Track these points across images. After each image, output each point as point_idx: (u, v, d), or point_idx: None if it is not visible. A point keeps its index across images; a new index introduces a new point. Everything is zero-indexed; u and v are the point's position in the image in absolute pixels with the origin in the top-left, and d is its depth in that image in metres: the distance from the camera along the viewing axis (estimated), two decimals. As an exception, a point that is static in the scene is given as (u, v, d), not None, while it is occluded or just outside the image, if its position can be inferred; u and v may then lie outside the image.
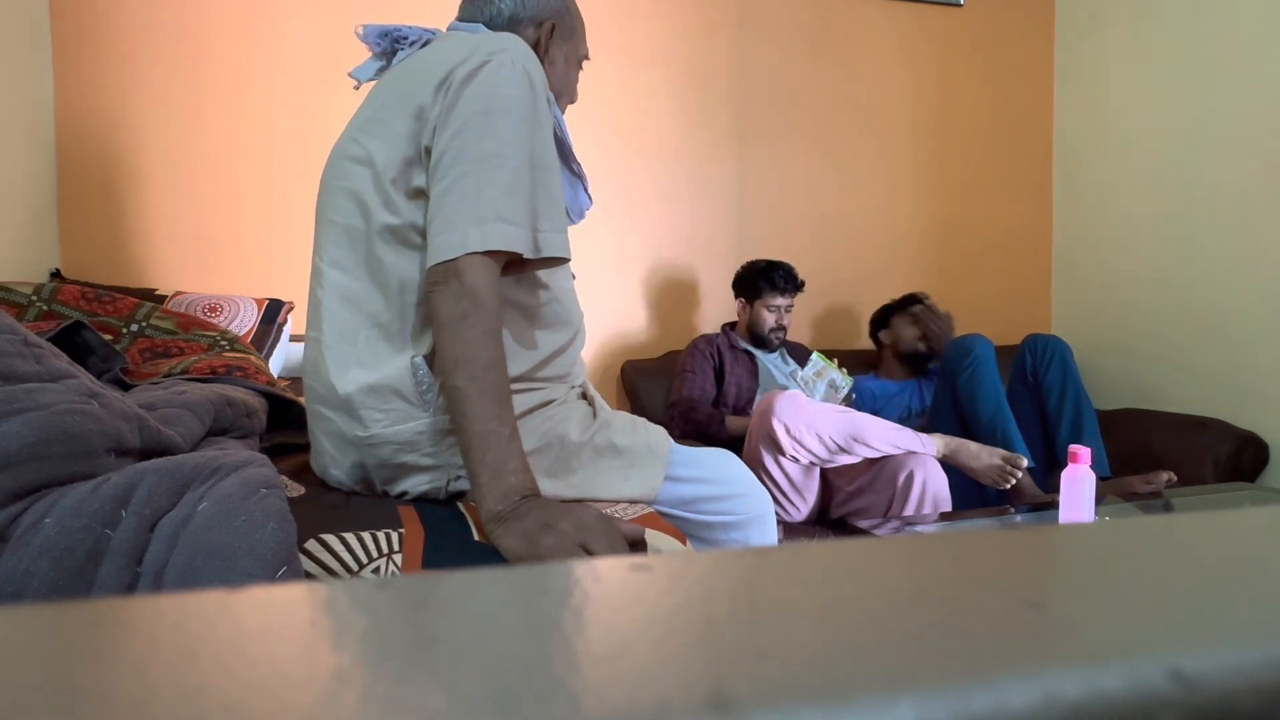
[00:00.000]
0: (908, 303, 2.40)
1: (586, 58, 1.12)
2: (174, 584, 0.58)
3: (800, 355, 2.36)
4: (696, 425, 2.08)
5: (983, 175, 2.89)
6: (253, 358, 1.39)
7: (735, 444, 1.97)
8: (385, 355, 0.87)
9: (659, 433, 1.03)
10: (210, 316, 1.75)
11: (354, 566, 0.72)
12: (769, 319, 2.27)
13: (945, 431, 2.01)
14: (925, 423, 2.29)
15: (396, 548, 0.75)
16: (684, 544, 0.87)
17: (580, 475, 0.94)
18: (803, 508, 1.94)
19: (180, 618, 0.17)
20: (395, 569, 0.74)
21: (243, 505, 0.63)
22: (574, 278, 1.06)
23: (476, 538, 0.79)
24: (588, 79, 2.27)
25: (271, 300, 1.89)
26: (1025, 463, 1.82)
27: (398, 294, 0.87)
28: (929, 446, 1.84)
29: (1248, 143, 2.28)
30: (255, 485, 0.67)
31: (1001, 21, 2.88)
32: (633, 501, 0.96)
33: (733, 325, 2.38)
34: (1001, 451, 1.85)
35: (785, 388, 2.14)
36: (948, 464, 1.87)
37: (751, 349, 2.28)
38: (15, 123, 1.86)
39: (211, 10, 2.17)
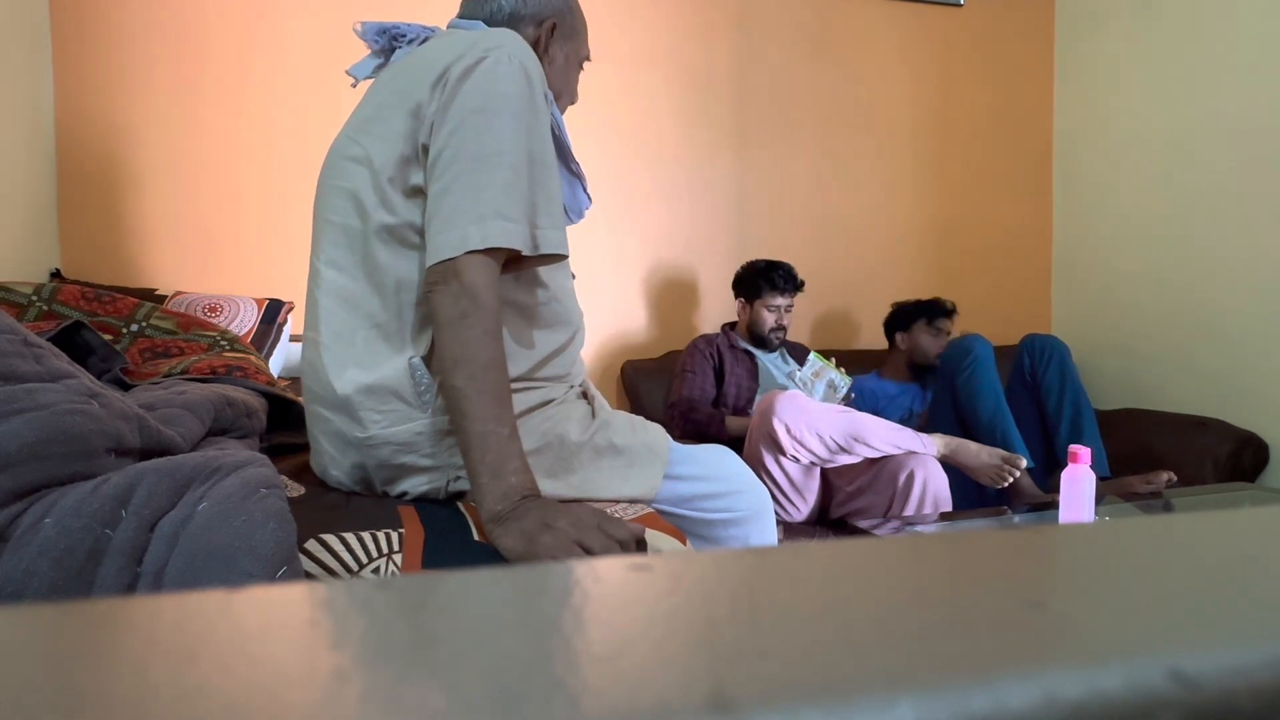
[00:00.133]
0: (935, 311, 2.38)
1: (588, 59, 1.12)
2: (174, 584, 0.58)
3: (800, 355, 2.36)
4: (696, 425, 2.08)
5: (983, 175, 2.89)
6: (253, 358, 1.39)
7: (735, 444, 1.97)
8: (383, 356, 0.87)
9: (658, 432, 1.03)
10: (210, 316, 1.75)
11: (354, 566, 0.72)
12: (769, 319, 2.27)
13: (945, 431, 2.01)
14: (923, 423, 2.29)
15: (396, 548, 0.75)
16: (684, 544, 0.87)
17: (580, 475, 0.94)
18: (803, 508, 1.94)
19: (180, 618, 0.17)
20: (395, 569, 0.74)
21: (243, 505, 0.63)
22: (574, 277, 1.05)
23: (476, 538, 0.79)
24: (588, 79, 2.27)
25: (271, 300, 1.89)
26: (1024, 463, 1.82)
27: (395, 294, 0.87)
28: (929, 446, 1.85)
29: (1248, 143, 2.28)
30: (255, 485, 0.67)
31: (1001, 21, 2.89)
32: (632, 501, 0.96)
33: (733, 325, 2.38)
34: (1001, 452, 1.85)
35: (785, 388, 2.14)
36: (948, 464, 1.88)
37: (751, 349, 2.28)
38: (15, 123, 1.86)
39: (211, 10, 2.17)
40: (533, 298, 0.93)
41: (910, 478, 1.80)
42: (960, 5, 2.82)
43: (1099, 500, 1.68)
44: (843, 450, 1.80)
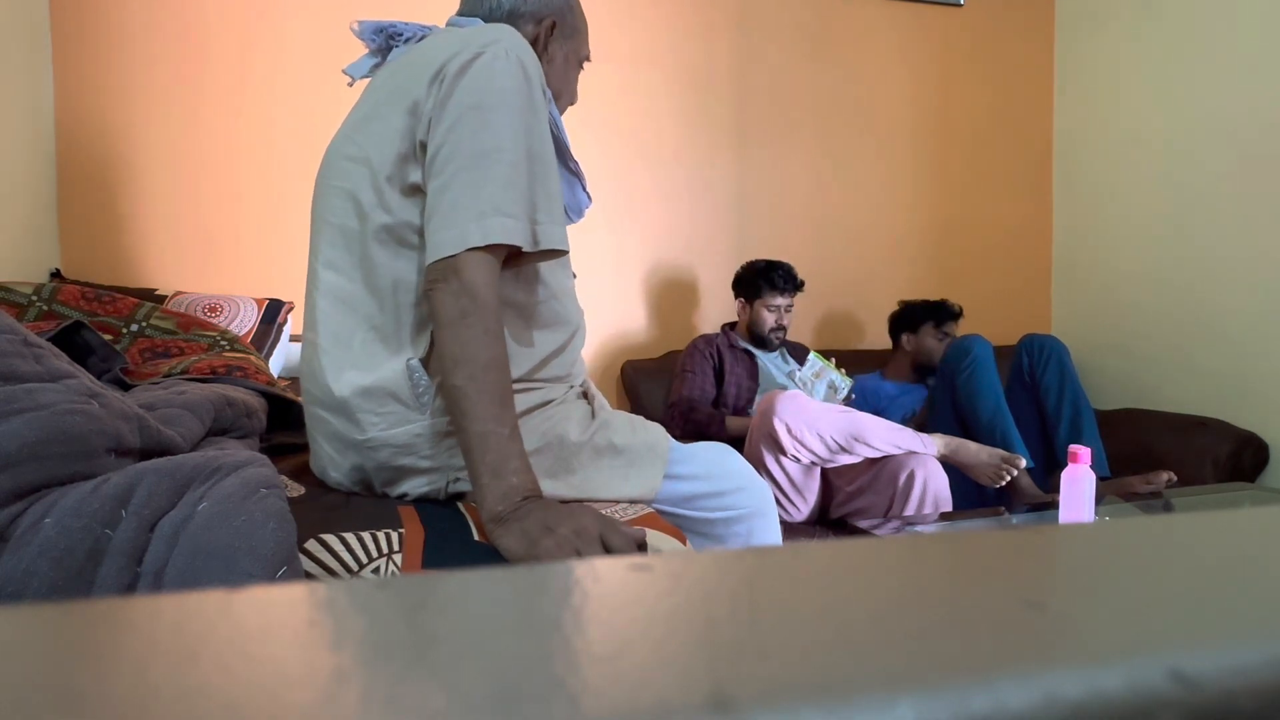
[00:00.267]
0: (943, 314, 2.38)
1: (588, 59, 1.11)
2: (174, 584, 0.58)
3: (800, 355, 2.36)
4: (696, 425, 2.08)
5: (983, 175, 2.89)
6: (253, 358, 1.39)
7: (735, 444, 1.97)
8: (381, 358, 0.87)
9: (658, 431, 1.02)
10: (210, 316, 1.75)
11: (354, 566, 0.72)
12: (769, 319, 2.27)
13: (945, 431, 2.01)
14: (919, 423, 2.29)
15: (396, 548, 0.75)
16: (684, 544, 0.87)
17: (580, 475, 0.94)
18: (803, 508, 1.94)
19: (180, 618, 0.17)
20: (395, 569, 0.74)
21: (243, 505, 0.63)
22: (574, 277, 1.05)
23: (476, 538, 0.79)
24: (588, 79, 2.27)
25: (271, 300, 1.89)
26: (1024, 463, 1.83)
27: (392, 295, 0.87)
28: (929, 446, 1.85)
29: (1247, 143, 2.28)
30: (255, 485, 0.67)
31: (1001, 21, 2.89)
32: (633, 501, 0.96)
33: (733, 325, 2.38)
34: (1001, 451, 1.85)
35: (785, 388, 2.14)
36: (947, 464, 1.88)
37: (751, 349, 2.28)
38: (15, 122, 1.86)
39: (211, 10, 2.17)
40: (532, 296, 0.93)
41: (910, 478, 1.80)
42: (960, 5, 2.82)
43: (1099, 500, 1.68)
44: (843, 450, 1.80)
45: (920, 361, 2.39)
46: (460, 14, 1.04)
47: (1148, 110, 2.59)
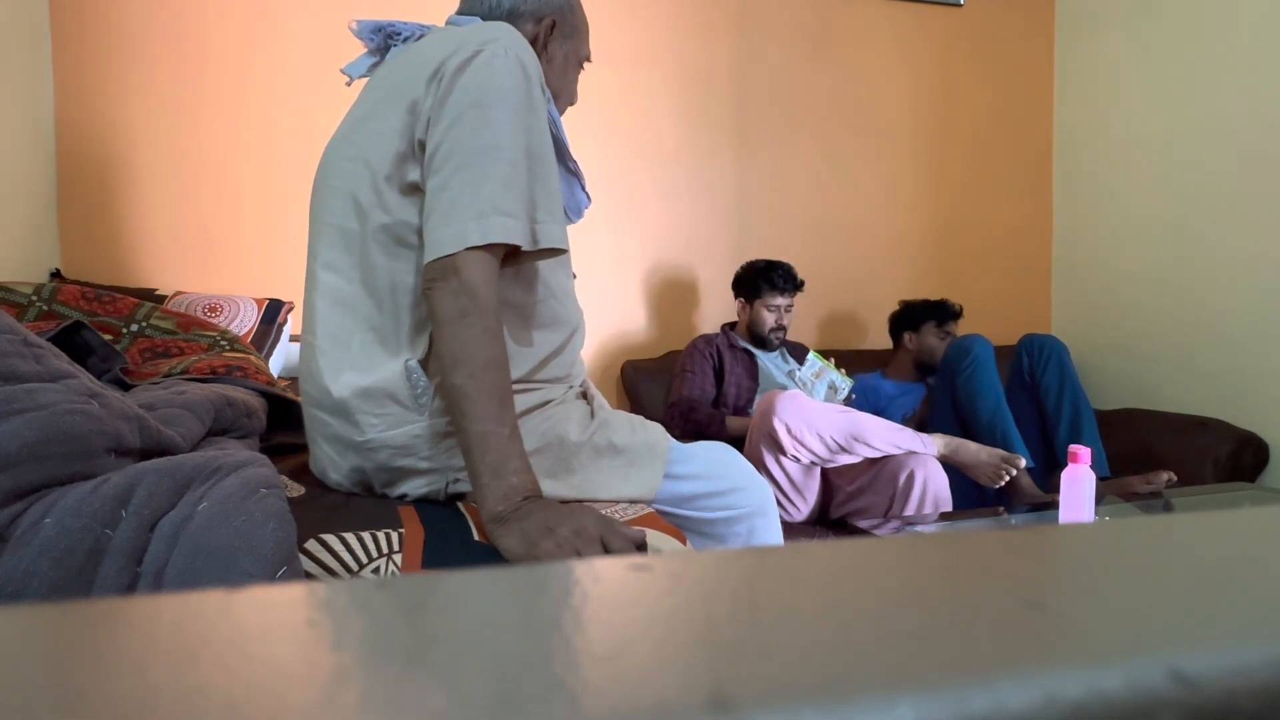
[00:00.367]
0: (945, 314, 2.38)
1: (588, 59, 1.11)
2: (174, 584, 0.58)
3: (800, 354, 2.36)
4: (696, 425, 2.08)
5: (983, 175, 2.89)
6: (253, 358, 1.39)
7: (735, 444, 1.97)
8: (379, 359, 0.87)
9: (658, 431, 1.02)
10: (210, 316, 1.75)
11: (354, 566, 0.72)
12: (768, 319, 2.27)
13: (945, 431, 2.01)
14: (916, 422, 2.29)
15: (396, 548, 0.75)
16: (684, 544, 0.87)
17: (580, 475, 0.94)
18: (803, 508, 1.94)
19: (180, 618, 0.17)
20: (395, 569, 0.74)
21: (243, 505, 0.63)
22: (574, 277, 1.05)
23: (476, 538, 0.79)
24: (587, 79, 2.27)
25: (271, 300, 1.89)
26: (1023, 462, 1.83)
27: (390, 297, 0.87)
28: (929, 446, 1.85)
29: (1247, 142, 2.28)
30: (255, 485, 0.67)
31: (1001, 21, 2.89)
32: (633, 501, 0.96)
33: (733, 325, 2.38)
34: (1001, 451, 1.85)
35: (785, 387, 2.14)
36: (947, 464, 1.88)
37: (751, 349, 2.28)
38: (15, 123, 1.86)
39: (211, 10, 2.17)
40: (530, 296, 0.93)
41: (910, 478, 1.80)
42: (960, 5, 2.82)
43: (1099, 500, 1.68)
44: (843, 450, 1.80)
45: (922, 360, 2.39)
46: (460, 13, 1.04)
47: (1148, 110, 2.59)
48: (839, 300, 2.77)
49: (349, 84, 1.05)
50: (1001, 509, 1.80)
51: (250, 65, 2.20)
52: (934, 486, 1.81)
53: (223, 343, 1.45)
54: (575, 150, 1.00)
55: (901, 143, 2.80)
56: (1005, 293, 2.93)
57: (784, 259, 2.37)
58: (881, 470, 1.87)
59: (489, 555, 0.76)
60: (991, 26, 2.88)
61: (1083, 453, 1.40)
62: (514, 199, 0.81)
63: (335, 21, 2.24)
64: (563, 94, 1.08)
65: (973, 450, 1.86)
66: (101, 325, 1.42)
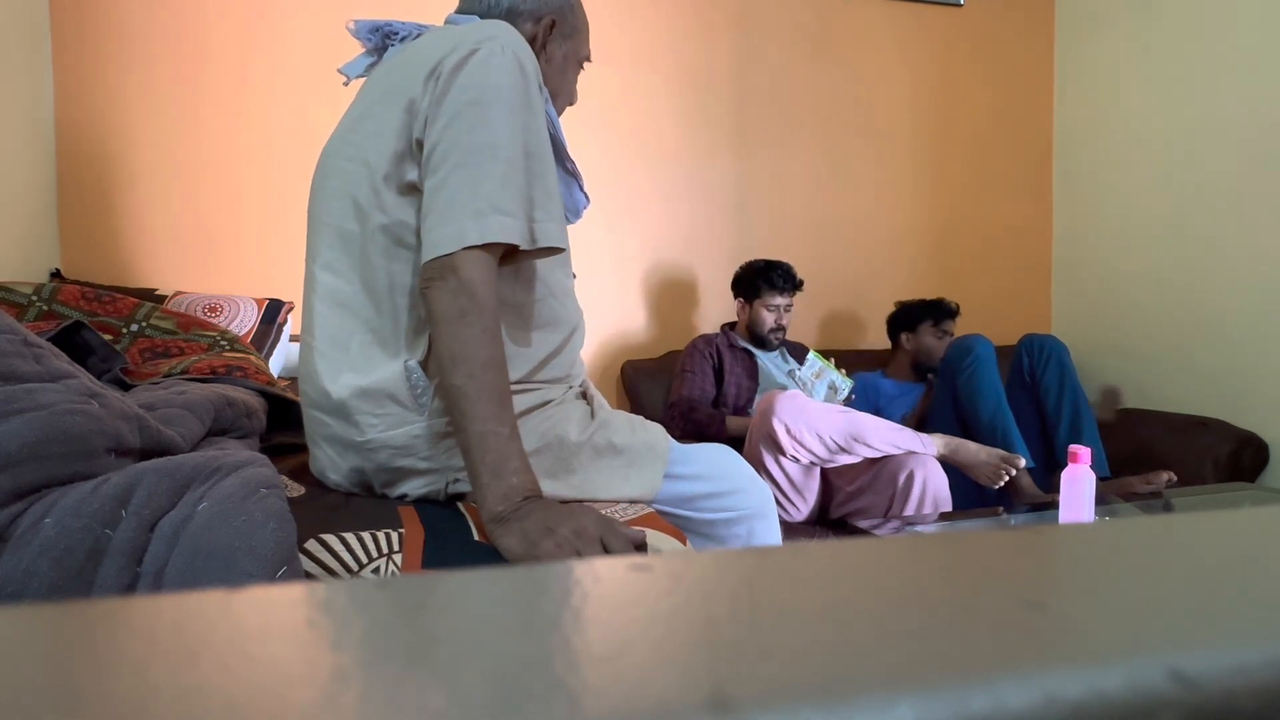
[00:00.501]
0: (941, 313, 2.38)
1: (588, 59, 1.10)
2: (174, 584, 0.58)
3: (800, 354, 2.36)
4: (696, 425, 2.08)
5: (983, 175, 2.89)
6: (253, 358, 1.39)
7: (735, 444, 1.97)
8: (378, 360, 0.86)
9: (658, 431, 1.02)
10: (210, 316, 1.75)
11: (354, 566, 0.72)
12: (768, 318, 2.27)
13: (945, 431, 2.01)
14: (920, 411, 2.29)
15: (396, 548, 0.75)
16: (684, 544, 0.87)
17: (580, 475, 0.94)
18: (803, 508, 1.94)
19: (180, 618, 0.17)
20: (395, 569, 0.74)
21: (243, 505, 0.63)
22: (574, 277, 1.05)
23: (476, 538, 0.79)
24: (587, 79, 2.27)
25: (271, 300, 1.89)
26: (1023, 462, 1.83)
27: (389, 297, 0.86)
28: (929, 446, 1.85)
29: (1247, 142, 2.28)
30: (255, 485, 0.67)
31: (1001, 21, 2.89)
32: (633, 501, 0.96)
33: (732, 325, 2.38)
34: (1000, 451, 1.85)
35: (785, 387, 2.14)
36: (947, 464, 1.88)
37: (751, 348, 2.28)
38: (15, 123, 1.86)
39: (211, 10, 2.17)
40: (529, 295, 0.92)
41: (910, 478, 1.80)
42: (960, 5, 2.82)
43: (1099, 500, 1.68)
44: (842, 450, 1.80)
45: (920, 360, 2.39)
46: (458, 12, 1.04)
47: (1148, 110, 2.59)
48: (839, 300, 2.77)
49: (346, 84, 1.05)
50: (1001, 509, 1.80)
51: (250, 65, 2.20)
52: (934, 486, 1.81)
53: (223, 343, 1.45)
54: (575, 150, 1.00)
55: (901, 143, 2.80)
56: (1005, 293, 2.93)
57: (784, 259, 2.37)
58: (881, 470, 1.87)
59: (489, 555, 0.76)
60: (991, 26, 2.88)
61: (1083, 453, 1.40)
62: (512, 197, 0.80)
63: (335, 21, 2.24)
64: (561, 94, 1.08)
65: (972, 450, 1.86)
66: (101, 325, 1.42)
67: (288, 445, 1.14)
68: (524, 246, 0.82)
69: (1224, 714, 0.15)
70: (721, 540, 1.02)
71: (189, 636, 0.16)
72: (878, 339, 2.72)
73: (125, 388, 1.10)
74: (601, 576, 0.20)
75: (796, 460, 1.83)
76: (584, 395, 1.03)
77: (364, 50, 0.99)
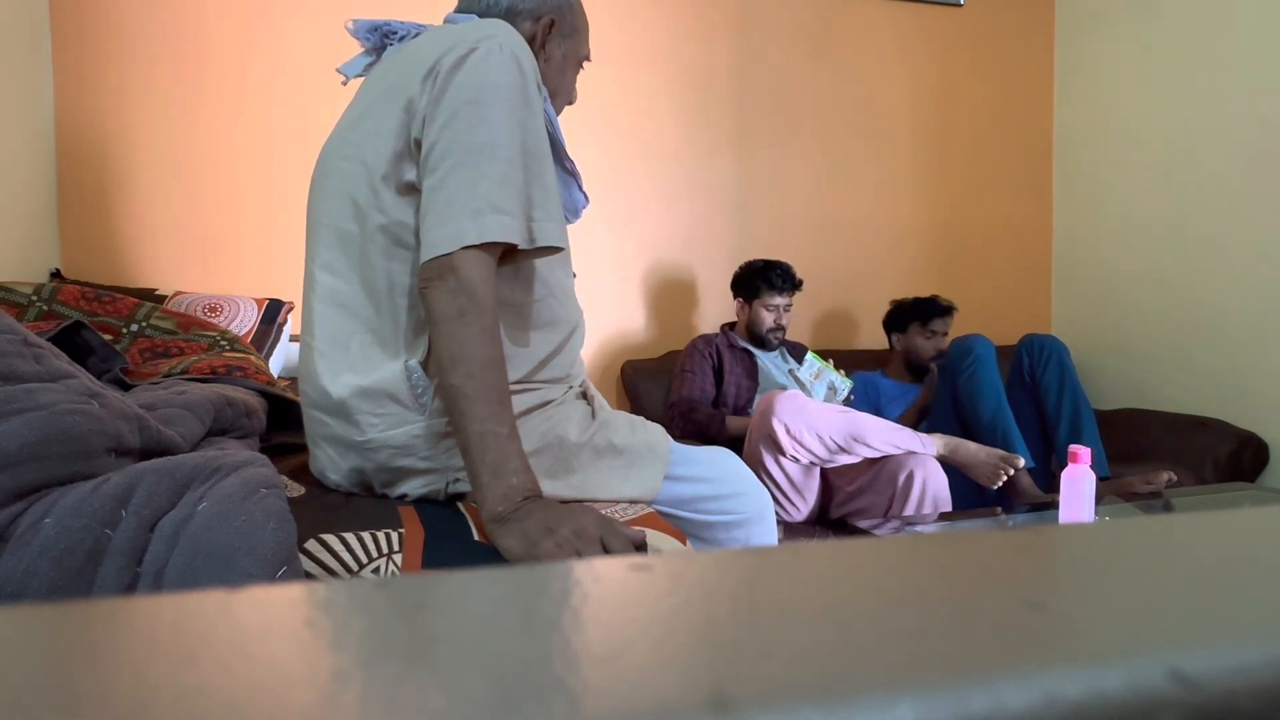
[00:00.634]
0: (929, 313, 2.38)
1: (588, 59, 1.10)
2: (174, 584, 0.58)
3: (799, 354, 2.36)
4: (696, 425, 2.08)
5: (983, 175, 2.89)
6: (253, 358, 1.39)
7: (735, 444, 1.97)
8: (378, 360, 0.86)
9: (658, 432, 1.02)
10: (210, 316, 1.75)
11: (354, 566, 0.72)
12: (767, 318, 2.27)
13: (945, 431, 2.01)
14: (921, 405, 2.29)
15: (396, 548, 0.75)
16: (684, 544, 0.87)
17: (580, 475, 0.94)
18: (803, 508, 1.94)
19: (180, 618, 0.17)
20: (395, 569, 0.74)
21: (243, 505, 0.63)
22: (574, 276, 1.05)
23: (476, 538, 0.79)
24: (587, 79, 2.27)
25: (271, 300, 1.89)
26: (1022, 462, 1.83)
27: (389, 298, 0.86)
28: (929, 446, 1.85)
29: (1247, 142, 2.28)
30: (255, 485, 0.67)
31: (1001, 21, 2.89)
32: (632, 501, 0.96)
33: (732, 325, 2.38)
34: (1000, 451, 1.85)
35: (784, 387, 2.14)
36: (947, 464, 1.88)
37: (751, 348, 2.28)
38: (15, 123, 1.86)
39: (211, 10, 2.17)
40: (528, 295, 0.92)
41: (910, 478, 1.80)
42: (960, 5, 2.82)
43: (1099, 500, 1.68)
44: (842, 450, 1.80)
45: (911, 361, 2.39)
46: (457, 11, 1.04)
47: (1148, 110, 2.59)
48: (838, 300, 2.77)
49: (345, 83, 1.04)
50: (1001, 509, 1.80)
51: (250, 65, 2.20)
52: (933, 486, 1.81)
53: (223, 343, 1.45)
54: (574, 150, 1.00)
55: (901, 143, 2.80)
56: (1005, 293, 2.93)
57: (783, 259, 2.37)
58: (881, 470, 1.87)
59: (489, 555, 0.76)
60: (991, 26, 2.88)
61: (1083, 453, 1.40)
62: (510, 197, 0.80)
63: (335, 21, 2.24)
64: (560, 93, 1.08)
65: (972, 450, 1.86)
66: (101, 325, 1.42)
67: (288, 445, 1.14)
68: (523, 246, 0.82)
69: (1224, 714, 0.15)
70: (719, 544, 1.02)
71: (189, 636, 0.16)
72: (876, 339, 2.72)
73: (125, 388, 1.10)
74: (601, 576, 0.20)
75: (796, 460, 1.83)
76: (584, 395, 1.03)
77: (363, 50, 0.99)
